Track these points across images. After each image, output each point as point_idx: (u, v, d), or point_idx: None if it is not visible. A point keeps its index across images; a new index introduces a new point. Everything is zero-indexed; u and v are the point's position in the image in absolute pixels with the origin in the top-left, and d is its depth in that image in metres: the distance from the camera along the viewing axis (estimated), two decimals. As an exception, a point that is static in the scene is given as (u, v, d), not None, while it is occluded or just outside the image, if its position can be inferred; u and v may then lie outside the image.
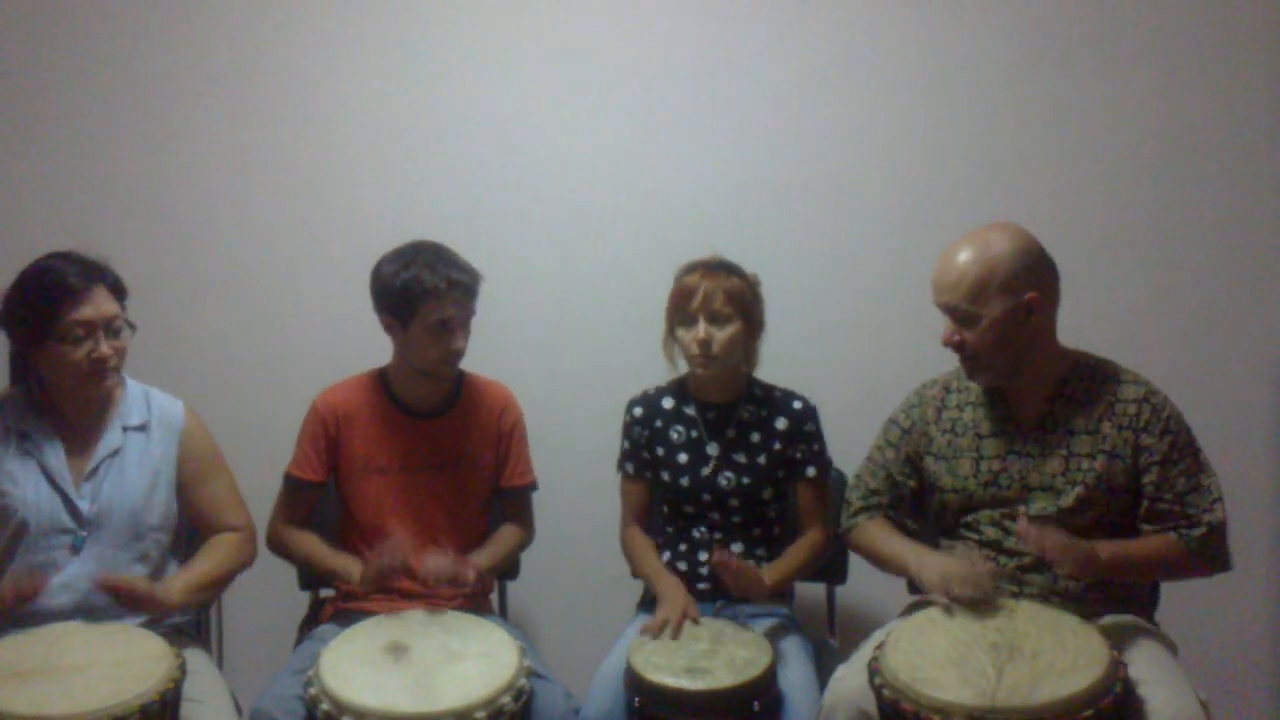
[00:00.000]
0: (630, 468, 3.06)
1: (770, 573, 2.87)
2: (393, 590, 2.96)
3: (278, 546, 3.06)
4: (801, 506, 3.02)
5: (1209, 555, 2.60)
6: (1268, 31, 3.33)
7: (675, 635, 2.76)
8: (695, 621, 2.81)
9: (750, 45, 3.47)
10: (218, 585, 2.89)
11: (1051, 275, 2.64)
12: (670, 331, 2.96)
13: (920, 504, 2.86)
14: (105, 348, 2.72)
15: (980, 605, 2.53)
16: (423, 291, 2.85)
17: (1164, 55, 3.37)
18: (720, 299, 2.86)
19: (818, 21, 3.45)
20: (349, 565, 2.92)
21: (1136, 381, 2.67)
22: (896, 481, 2.83)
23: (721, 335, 2.87)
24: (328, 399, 3.04)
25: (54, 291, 2.68)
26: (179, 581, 2.78)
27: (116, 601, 2.67)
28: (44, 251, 2.76)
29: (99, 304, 2.72)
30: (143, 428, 2.83)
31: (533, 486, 3.14)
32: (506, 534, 3.11)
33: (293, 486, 3.04)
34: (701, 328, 2.86)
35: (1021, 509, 2.60)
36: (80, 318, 2.68)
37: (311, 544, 3.02)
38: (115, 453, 2.80)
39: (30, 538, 2.73)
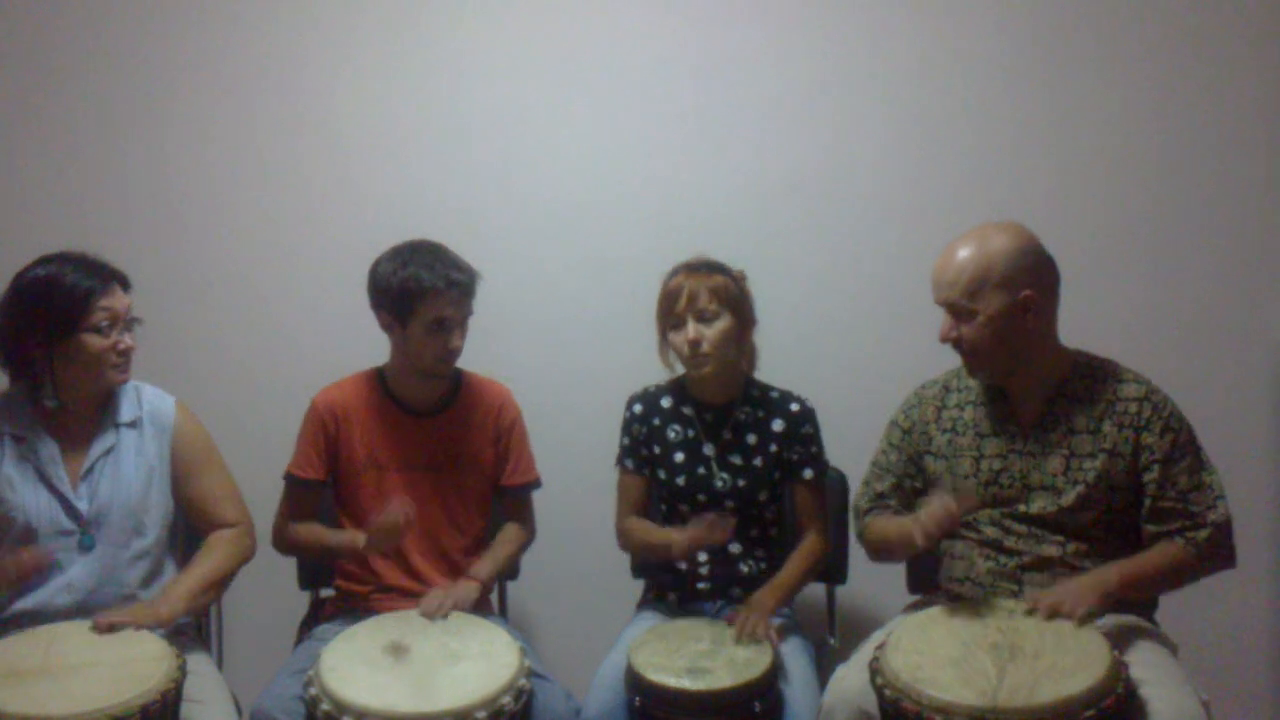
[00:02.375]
0: (629, 463, 3.06)
1: (772, 592, 2.87)
2: (392, 590, 2.97)
3: (284, 545, 3.05)
4: (799, 509, 3.02)
5: (1215, 555, 2.61)
6: (1268, 31, 3.33)
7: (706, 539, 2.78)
8: (715, 540, 2.79)
9: (749, 46, 3.47)
10: (219, 586, 2.87)
11: (1050, 275, 2.64)
12: (663, 336, 2.97)
13: None
14: (129, 339, 2.76)
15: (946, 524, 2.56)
16: (420, 290, 2.85)
17: (1164, 55, 3.37)
18: (705, 296, 2.86)
19: (817, 22, 3.45)
20: (354, 536, 2.87)
21: (1137, 380, 2.68)
22: (903, 484, 2.83)
23: (711, 332, 2.87)
24: (326, 398, 3.03)
25: (83, 283, 2.70)
26: (180, 589, 2.76)
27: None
28: (44, 251, 2.77)
29: (118, 296, 2.76)
30: (135, 424, 2.83)
31: (535, 484, 3.13)
32: (508, 535, 3.11)
33: (294, 486, 3.03)
34: (690, 328, 2.87)
35: (1031, 596, 2.59)
36: (109, 305, 2.72)
37: (314, 530, 3.01)
38: (110, 451, 2.80)
39: (33, 541, 2.72)
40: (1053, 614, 2.46)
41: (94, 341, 2.70)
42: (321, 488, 3.04)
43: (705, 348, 2.87)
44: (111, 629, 2.61)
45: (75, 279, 2.70)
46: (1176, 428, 2.62)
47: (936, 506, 2.55)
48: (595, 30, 3.48)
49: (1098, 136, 3.41)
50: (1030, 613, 2.50)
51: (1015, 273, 2.58)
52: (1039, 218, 2.72)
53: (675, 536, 2.82)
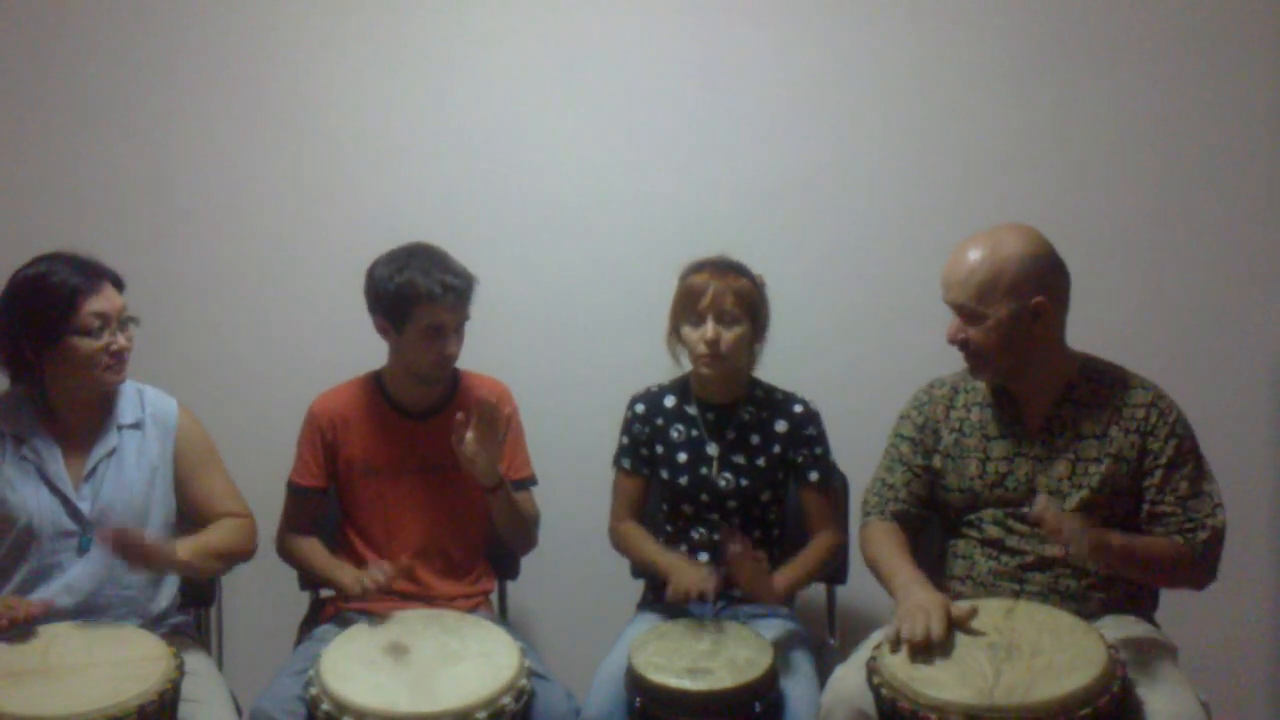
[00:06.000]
0: (627, 463, 3.06)
1: (782, 577, 2.85)
2: (392, 591, 2.96)
3: (285, 555, 3.07)
4: (809, 512, 3.01)
5: (1207, 563, 2.60)
6: (1268, 31, 3.32)
7: (698, 598, 2.75)
8: (707, 596, 2.77)
9: (750, 46, 3.46)
10: (223, 558, 2.86)
11: (1062, 281, 2.63)
12: (674, 330, 2.96)
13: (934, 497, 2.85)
14: (122, 339, 2.74)
15: (924, 649, 2.41)
16: (416, 296, 2.85)
17: (1164, 55, 3.36)
18: (730, 299, 2.86)
19: (818, 22, 3.44)
20: (341, 575, 2.91)
21: (1144, 386, 2.67)
22: (916, 474, 2.80)
23: (730, 335, 2.87)
24: (323, 404, 3.04)
25: (69, 285, 2.69)
26: (186, 543, 2.77)
27: (122, 557, 2.65)
28: (42, 251, 2.77)
29: (109, 296, 2.74)
30: (138, 425, 2.83)
31: (530, 481, 3.12)
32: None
33: (295, 494, 3.04)
34: (710, 327, 2.86)
35: (1042, 496, 2.55)
36: (97, 309, 2.70)
37: (313, 551, 3.02)
38: (112, 452, 2.79)
39: (35, 542, 2.73)
40: (1054, 529, 2.38)
41: (83, 344, 2.69)
42: (323, 494, 3.05)
43: (723, 349, 2.87)
44: (119, 541, 2.61)
45: (62, 279, 2.69)
46: (1181, 434, 2.62)
47: (919, 626, 2.44)
48: (594, 31, 3.48)
49: (1100, 137, 3.41)
50: (1032, 609, 2.49)
51: (1027, 278, 2.56)
52: (1041, 218, 2.71)
53: (685, 571, 2.81)
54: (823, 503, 3.01)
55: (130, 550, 2.63)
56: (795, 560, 2.95)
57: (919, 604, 2.48)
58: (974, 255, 2.59)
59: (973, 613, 2.48)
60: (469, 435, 2.82)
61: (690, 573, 2.80)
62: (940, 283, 2.64)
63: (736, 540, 2.70)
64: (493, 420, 2.83)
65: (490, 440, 2.83)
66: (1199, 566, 2.60)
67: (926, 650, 2.39)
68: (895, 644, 2.43)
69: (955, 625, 2.45)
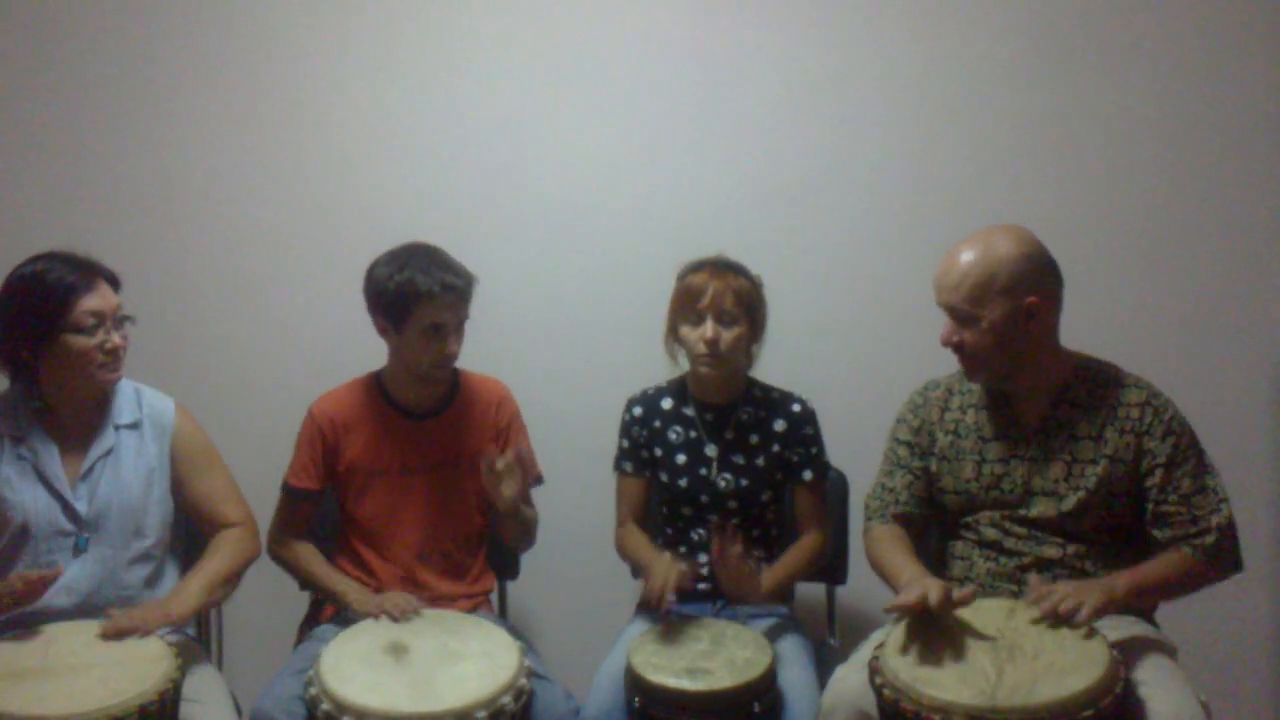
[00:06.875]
0: (628, 466, 3.06)
1: (768, 577, 2.86)
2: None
3: (280, 559, 3.05)
4: (799, 510, 3.02)
5: (1222, 560, 2.59)
6: (1268, 31, 3.32)
7: (661, 604, 2.74)
8: (681, 588, 2.76)
9: (750, 45, 3.46)
10: (229, 583, 2.85)
11: (1054, 280, 2.63)
12: (672, 329, 2.96)
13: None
14: (117, 337, 2.74)
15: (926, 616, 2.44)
16: (416, 295, 2.84)
17: (1164, 56, 3.36)
18: (730, 299, 2.86)
19: (818, 22, 3.44)
20: (345, 590, 2.91)
21: (1138, 385, 2.67)
22: (916, 476, 2.80)
23: (729, 335, 2.87)
24: (323, 406, 3.03)
25: (63, 282, 2.69)
26: (192, 586, 2.76)
27: (133, 635, 2.61)
28: (42, 249, 2.76)
29: (104, 294, 2.74)
30: (135, 425, 2.83)
31: (538, 481, 3.12)
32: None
33: (291, 496, 3.03)
34: (709, 326, 2.86)
35: (1032, 578, 2.57)
36: (91, 307, 2.70)
37: (310, 559, 3.01)
38: (109, 452, 2.79)
39: (30, 541, 2.73)
40: (1053, 614, 2.42)
41: (77, 341, 2.69)
42: (319, 497, 3.04)
43: (722, 348, 2.87)
44: (120, 636, 2.58)
45: (57, 277, 2.69)
46: (1178, 431, 2.62)
47: (937, 594, 2.45)
48: (595, 29, 3.48)
49: (1099, 137, 3.41)
50: (1031, 610, 2.47)
51: (1019, 279, 2.57)
52: (1040, 218, 2.72)
53: (656, 568, 2.80)
54: (814, 502, 3.01)
55: (138, 630, 2.60)
56: (780, 561, 2.96)
57: (917, 578, 2.51)
58: (966, 258, 2.59)
59: (972, 595, 2.47)
60: (501, 466, 2.83)
61: (656, 576, 2.78)
62: (933, 285, 2.64)
63: (734, 541, 2.70)
64: (524, 468, 2.87)
65: (518, 478, 2.86)
66: (1215, 567, 2.60)
67: (922, 617, 2.40)
68: (896, 614, 2.45)
69: (955, 606, 2.45)
